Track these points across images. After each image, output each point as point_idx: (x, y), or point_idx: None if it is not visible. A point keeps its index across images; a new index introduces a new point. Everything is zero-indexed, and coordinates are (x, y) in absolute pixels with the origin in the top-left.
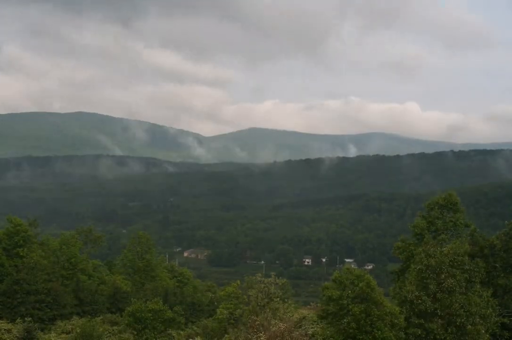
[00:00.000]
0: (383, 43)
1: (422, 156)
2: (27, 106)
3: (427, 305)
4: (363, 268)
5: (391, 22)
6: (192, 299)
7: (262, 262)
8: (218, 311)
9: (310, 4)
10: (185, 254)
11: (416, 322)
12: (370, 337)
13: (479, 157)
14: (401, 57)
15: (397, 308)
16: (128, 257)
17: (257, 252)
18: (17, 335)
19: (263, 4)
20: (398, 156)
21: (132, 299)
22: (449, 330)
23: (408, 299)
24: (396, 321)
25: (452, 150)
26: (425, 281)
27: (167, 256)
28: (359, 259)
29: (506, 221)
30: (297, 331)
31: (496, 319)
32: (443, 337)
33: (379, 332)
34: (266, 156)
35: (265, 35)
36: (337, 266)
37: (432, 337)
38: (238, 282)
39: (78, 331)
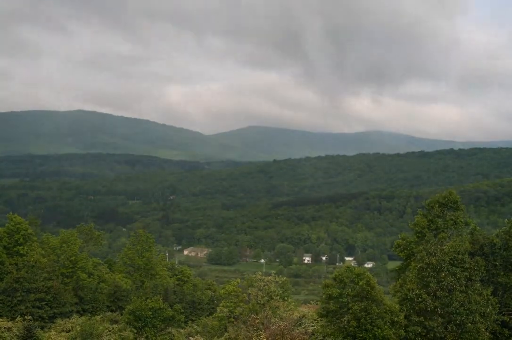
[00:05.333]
0: None
1: (423, 154)
2: (27, 104)
3: (427, 303)
4: (363, 266)
5: None
6: (192, 297)
7: (262, 260)
8: (218, 309)
9: None
10: (185, 252)
11: (416, 320)
12: (370, 335)
13: (479, 156)
14: None
15: (396, 306)
16: (128, 255)
17: (257, 250)
18: (17, 333)
19: None
20: (398, 154)
21: (132, 297)
22: (449, 328)
23: (409, 297)
24: (396, 319)
25: (452, 149)
26: (425, 279)
27: (167, 254)
28: (359, 257)
29: (506, 219)
30: (297, 329)
31: (496, 317)
32: (443, 335)
33: (379, 330)
34: (265, 154)
35: None
36: (337, 264)
37: (432, 335)
38: (238, 280)
39: (78, 329)
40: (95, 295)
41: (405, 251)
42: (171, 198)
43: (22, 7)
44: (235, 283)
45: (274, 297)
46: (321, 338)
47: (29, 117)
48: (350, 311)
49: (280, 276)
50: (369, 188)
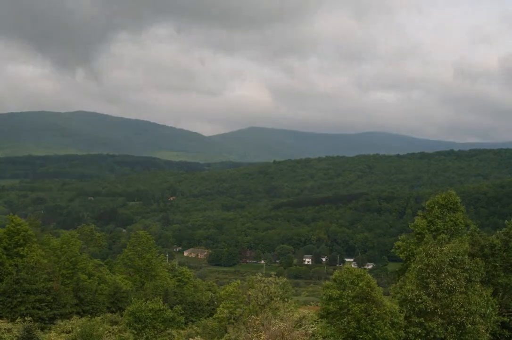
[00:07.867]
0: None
1: (423, 155)
2: (26, 105)
3: (427, 304)
4: (363, 267)
5: None
6: (192, 299)
7: (262, 261)
8: (218, 310)
9: None
10: (185, 253)
11: (416, 321)
12: (370, 336)
13: (479, 157)
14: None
15: (396, 307)
16: (129, 256)
17: (257, 251)
18: (17, 334)
19: None
20: (398, 155)
21: (132, 298)
22: (449, 329)
23: (409, 298)
24: (396, 320)
25: (452, 150)
26: (425, 280)
27: (167, 255)
28: (359, 258)
29: (506, 220)
30: (297, 330)
31: (496, 318)
32: (443, 336)
33: (379, 331)
34: (265, 155)
35: None
36: (337, 265)
37: (432, 336)
38: (238, 281)
39: (78, 330)
40: (95, 296)
41: (405, 252)
42: (171, 199)
43: None
44: (235, 284)
45: (274, 298)
46: (321, 339)
47: (29, 118)
48: (350, 312)
49: (280, 277)
50: (369, 188)
